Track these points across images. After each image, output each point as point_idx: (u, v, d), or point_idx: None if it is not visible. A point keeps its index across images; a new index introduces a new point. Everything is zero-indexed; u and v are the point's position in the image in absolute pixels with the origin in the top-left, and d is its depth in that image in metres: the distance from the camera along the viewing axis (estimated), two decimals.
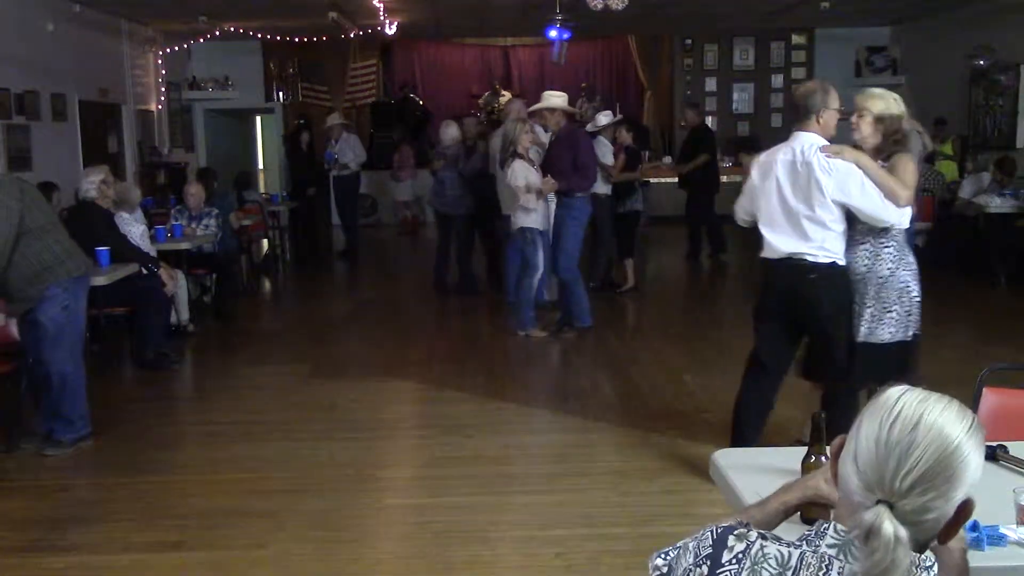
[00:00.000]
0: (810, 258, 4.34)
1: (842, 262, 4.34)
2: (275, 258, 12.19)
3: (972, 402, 2.94)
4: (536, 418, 5.78)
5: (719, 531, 1.55)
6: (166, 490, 4.74)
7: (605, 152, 9.37)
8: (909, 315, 4.35)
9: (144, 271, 7.01)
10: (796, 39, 16.27)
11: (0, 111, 9.28)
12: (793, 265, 4.38)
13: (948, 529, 1.44)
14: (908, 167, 4.24)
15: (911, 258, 4.37)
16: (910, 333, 4.38)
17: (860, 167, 4.20)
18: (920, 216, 9.98)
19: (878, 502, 1.39)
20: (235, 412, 6.08)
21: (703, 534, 1.57)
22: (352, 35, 14.21)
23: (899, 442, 1.40)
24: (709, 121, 16.43)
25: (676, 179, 11.97)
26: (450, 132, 9.79)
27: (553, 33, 11.90)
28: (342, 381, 6.73)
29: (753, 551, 1.49)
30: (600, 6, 9.59)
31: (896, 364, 4.35)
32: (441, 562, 3.88)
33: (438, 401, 6.21)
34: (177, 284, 7.63)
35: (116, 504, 4.56)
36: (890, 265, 4.31)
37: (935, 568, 1.45)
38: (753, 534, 1.52)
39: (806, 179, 4.28)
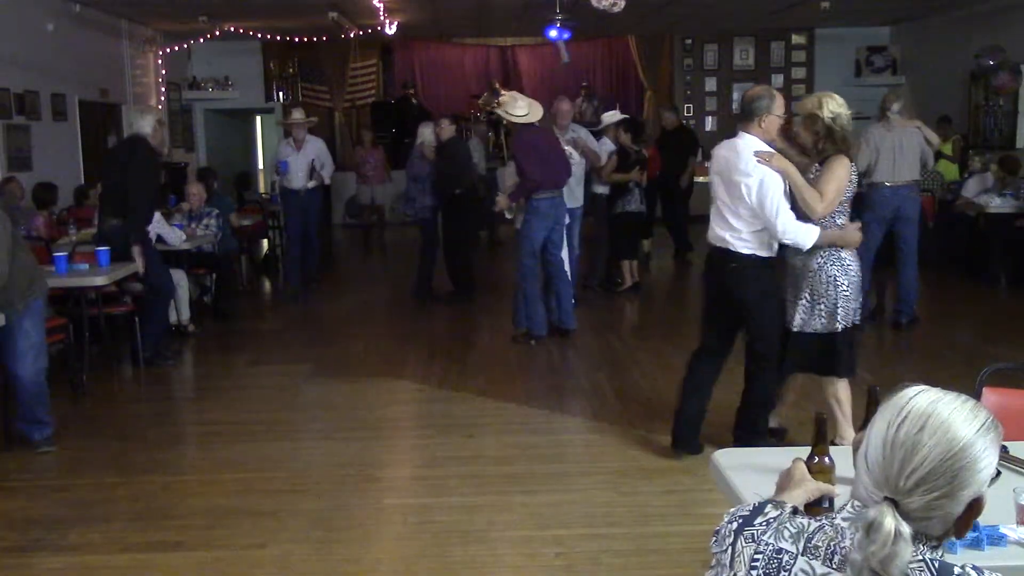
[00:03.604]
0: (731, 248, 4.61)
1: (763, 254, 4.60)
2: (275, 258, 12.17)
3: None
4: (536, 418, 5.78)
5: (761, 501, 1.67)
6: (166, 490, 4.75)
7: (604, 152, 9.38)
8: (836, 307, 4.54)
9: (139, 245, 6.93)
10: (796, 39, 16.27)
11: (0, 111, 9.28)
12: (720, 254, 4.67)
13: (960, 525, 1.47)
14: (836, 172, 4.45)
15: (843, 254, 4.56)
16: (839, 326, 4.56)
17: (786, 176, 4.45)
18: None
19: (884, 499, 1.43)
20: (235, 412, 6.08)
21: (745, 503, 1.69)
22: (352, 35, 14.20)
23: (904, 443, 1.43)
24: (708, 121, 16.53)
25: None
26: (422, 133, 9.45)
27: (553, 33, 11.88)
28: (342, 381, 6.73)
29: (783, 517, 1.59)
30: (609, 4, 9.57)
31: (824, 353, 4.61)
32: (441, 562, 3.88)
33: (438, 401, 6.21)
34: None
35: (116, 504, 4.57)
36: (819, 260, 4.54)
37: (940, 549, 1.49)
38: (789, 506, 1.64)
39: (736, 177, 4.56)
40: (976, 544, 2.04)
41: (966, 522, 1.47)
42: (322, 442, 5.51)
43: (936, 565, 1.42)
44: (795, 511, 1.62)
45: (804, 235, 4.46)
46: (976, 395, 2.94)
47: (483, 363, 7.14)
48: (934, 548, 1.46)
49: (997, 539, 2.07)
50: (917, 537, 1.42)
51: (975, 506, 1.45)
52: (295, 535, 4.15)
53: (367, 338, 8.14)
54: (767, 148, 4.52)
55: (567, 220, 7.93)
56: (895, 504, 1.42)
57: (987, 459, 1.44)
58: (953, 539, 1.52)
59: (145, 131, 6.88)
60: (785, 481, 1.95)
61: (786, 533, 1.54)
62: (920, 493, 1.41)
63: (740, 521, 1.62)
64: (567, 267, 7.96)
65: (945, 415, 1.43)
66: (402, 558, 3.99)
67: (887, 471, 1.44)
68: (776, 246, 4.62)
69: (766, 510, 1.63)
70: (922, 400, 1.46)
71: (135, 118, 7.01)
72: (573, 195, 8.32)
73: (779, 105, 4.60)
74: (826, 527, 1.51)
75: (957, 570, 1.42)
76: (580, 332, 7.87)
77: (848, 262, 4.57)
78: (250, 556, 3.97)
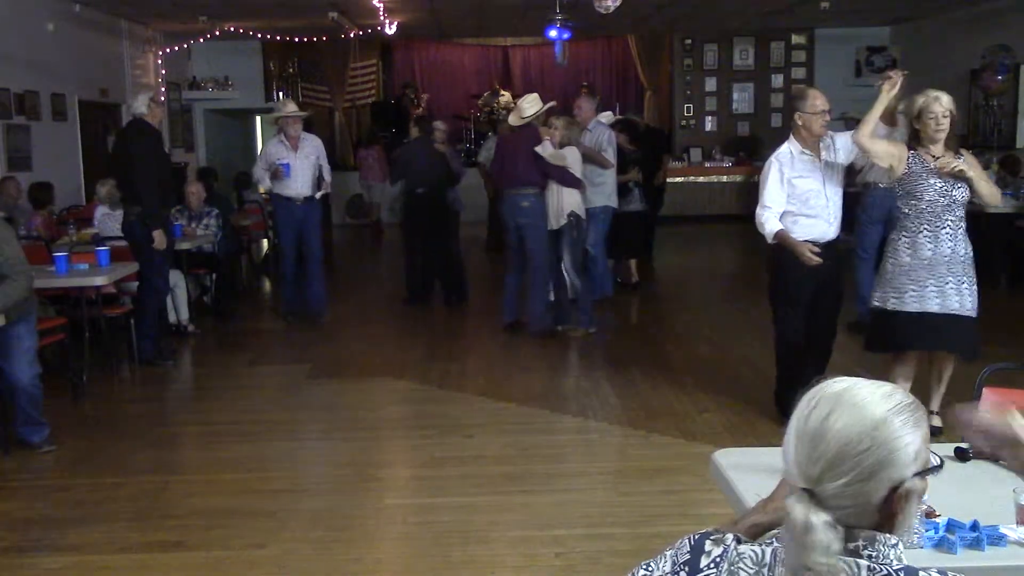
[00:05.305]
0: None
1: (769, 239, 5.04)
2: (275, 258, 12.14)
3: (972, 402, 2.94)
4: (536, 418, 5.78)
5: (696, 538, 1.55)
6: (166, 490, 4.75)
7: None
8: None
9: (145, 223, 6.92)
10: (796, 39, 16.27)
11: (0, 111, 9.28)
12: None
13: (886, 514, 1.39)
14: None
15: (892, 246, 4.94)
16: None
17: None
18: None
19: (801, 490, 1.40)
20: (235, 412, 6.08)
21: (680, 543, 1.57)
22: (352, 35, 14.21)
23: (811, 430, 1.41)
24: (708, 121, 16.54)
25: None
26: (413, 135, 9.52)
27: (553, 33, 11.89)
28: (342, 381, 6.73)
29: (730, 554, 1.50)
30: (608, 5, 9.55)
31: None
32: (441, 562, 3.88)
33: (438, 401, 6.21)
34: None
35: (116, 504, 4.57)
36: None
37: (900, 546, 1.41)
38: (729, 537, 1.52)
39: None
40: (976, 544, 2.04)
41: (893, 511, 1.39)
42: (322, 442, 5.51)
43: (902, 574, 1.36)
44: (736, 539, 1.52)
45: (766, 228, 4.97)
46: (976, 395, 2.95)
47: (483, 363, 7.14)
48: (870, 544, 1.38)
49: (997, 539, 2.07)
50: (849, 535, 1.36)
51: (903, 493, 1.38)
52: (295, 535, 4.15)
53: (367, 338, 8.14)
54: (800, 152, 4.96)
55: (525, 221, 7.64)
56: (810, 493, 1.38)
57: (906, 438, 1.38)
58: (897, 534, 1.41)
59: (141, 111, 6.89)
60: (767, 502, 1.80)
61: (743, 574, 1.46)
62: (829, 479, 1.37)
63: (687, 569, 1.51)
64: (542, 269, 7.85)
65: (857, 398, 1.41)
66: (402, 558, 3.99)
67: (799, 460, 1.41)
68: (805, 229, 4.96)
69: (706, 548, 1.51)
70: (834, 387, 1.44)
71: (132, 102, 7.05)
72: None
73: (812, 103, 4.86)
74: (780, 552, 1.44)
75: (922, 575, 1.37)
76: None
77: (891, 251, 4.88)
78: (250, 556, 3.97)
